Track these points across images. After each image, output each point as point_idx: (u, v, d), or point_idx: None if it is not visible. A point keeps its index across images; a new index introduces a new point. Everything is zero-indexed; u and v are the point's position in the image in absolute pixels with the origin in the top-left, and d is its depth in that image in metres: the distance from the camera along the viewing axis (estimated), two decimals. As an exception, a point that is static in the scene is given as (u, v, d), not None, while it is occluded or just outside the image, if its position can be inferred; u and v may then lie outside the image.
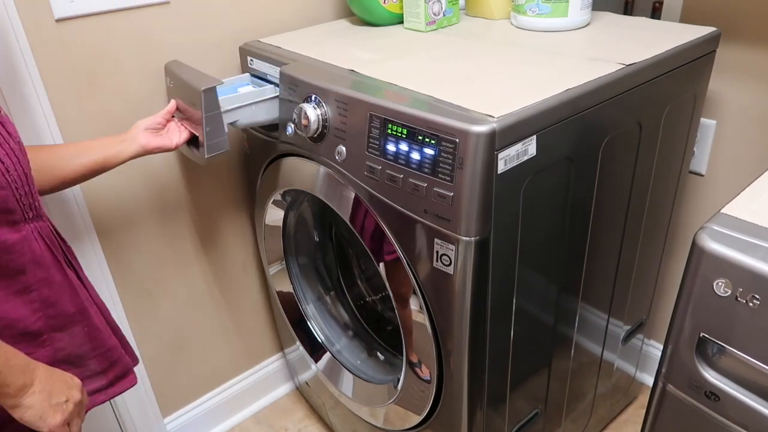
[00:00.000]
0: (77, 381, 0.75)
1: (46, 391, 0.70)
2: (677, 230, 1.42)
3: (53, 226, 0.81)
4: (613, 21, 1.23)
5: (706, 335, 0.56)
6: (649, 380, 1.66)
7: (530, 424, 1.21)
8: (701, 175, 1.36)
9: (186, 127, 1.07)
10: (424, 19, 1.23)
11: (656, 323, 1.57)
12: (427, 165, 0.86)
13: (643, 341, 1.50)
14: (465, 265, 0.88)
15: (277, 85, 1.12)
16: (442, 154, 0.83)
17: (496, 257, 0.90)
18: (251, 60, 1.21)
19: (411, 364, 1.07)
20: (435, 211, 0.87)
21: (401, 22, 1.30)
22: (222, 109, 1.03)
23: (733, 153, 1.30)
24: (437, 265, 0.91)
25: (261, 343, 1.65)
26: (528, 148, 0.86)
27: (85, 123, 1.15)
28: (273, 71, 1.13)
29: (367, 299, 1.47)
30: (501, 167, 0.83)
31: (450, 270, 0.90)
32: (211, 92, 0.99)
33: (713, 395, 0.57)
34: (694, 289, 0.56)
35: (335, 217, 1.37)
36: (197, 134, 1.04)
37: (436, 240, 0.89)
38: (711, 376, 0.57)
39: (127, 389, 0.90)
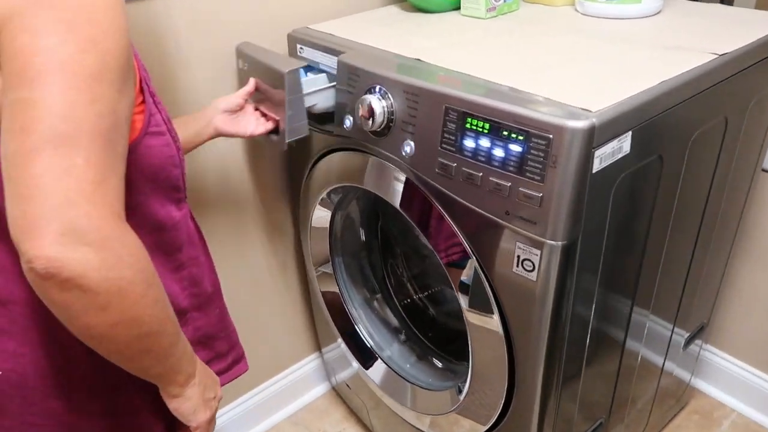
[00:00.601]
0: (217, 378, 0.74)
1: (202, 385, 0.68)
2: (745, 231, 1.35)
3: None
4: (685, 8, 1.16)
5: None
6: (703, 386, 1.59)
7: (594, 435, 1.15)
8: (772, 173, 1.29)
9: (264, 112, 1.03)
10: (484, 5, 1.16)
11: (715, 328, 1.50)
12: (512, 163, 0.79)
13: (701, 347, 1.43)
14: (548, 271, 0.82)
15: (330, 74, 1.05)
16: (532, 151, 0.76)
17: (581, 263, 0.83)
18: (301, 48, 1.13)
19: (479, 374, 1.01)
20: (519, 213, 0.80)
21: (457, 8, 1.22)
22: (303, 92, 0.98)
23: (807, 150, 1.22)
24: (517, 270, 0.84)
25: (299, 343, 1.59)
26: (623, 145, 0.79)
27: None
28: (326, 60, 1.06)
29: (416, 298, 1.41)
30: (596, 166, 0.76)
31: (533, 276, 0.83)
32: (295, 74, 0.95)
33: None
34: None
35: (385, 214, 1.30)
36: (277, 118, 1.00)
37: (518, 244, 0.83)
38: None
39: (242, 374, 0.89)
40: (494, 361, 0.96)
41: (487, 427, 1.04)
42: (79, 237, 0.46)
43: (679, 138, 0.90)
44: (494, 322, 0.92)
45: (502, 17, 1.18)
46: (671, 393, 1.45)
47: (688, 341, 1.34)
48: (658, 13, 1.13)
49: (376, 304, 1.36)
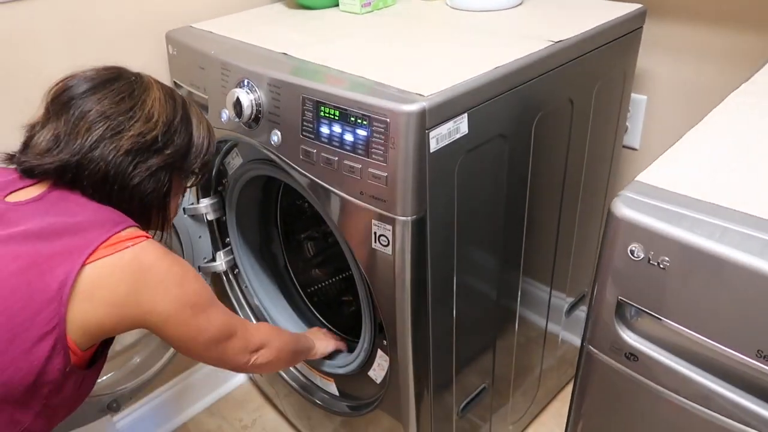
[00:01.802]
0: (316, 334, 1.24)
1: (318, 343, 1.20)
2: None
3: None
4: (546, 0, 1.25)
5: (624, 299, 0.59)
6: (594, 350, 1.71)
7: (478, 399, 1.23)
8: (635, 150, 1.41)
9: None
10: (359, 1, 1.22)
11: (599, 295, 1.62)
12: (360, 146, 0.86)
13: (586, 313, 1.54)
14: (403, 244, 0.89)
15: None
16: (375, 134, 0.83)
17: (434, 236, 0.91)
18: (174, 50, 1.18)
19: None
20: (371, 192, 0.88)
21: (337, 5, 1.29)
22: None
23: (664, 127, 1.35)
24: (376, 246, 0.92)
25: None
26: (460, 126, 0.87)
27: (6, 114, 1.11)
28: (202, 58, 1.11)
29: (320, 284, 1.47)
30: (433, 146, 0.84)
31: (389, 251, 0.90)
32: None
33: (632, 356, 0.59)
34: (612, 254, 0.58)
35: (284, 200, 1.36)
36: None
37: (373, 221, 0.90)
38: (629, 337, 0.60)
39: None
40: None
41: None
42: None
43: (521, 118, 0.98)
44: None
45: (377, 12, 1.25)
46: (565, 359, 1.56)
47: (571, 308, 1.44)
48: (519, 4, 1.23)
49: (278, 285, 1.41)
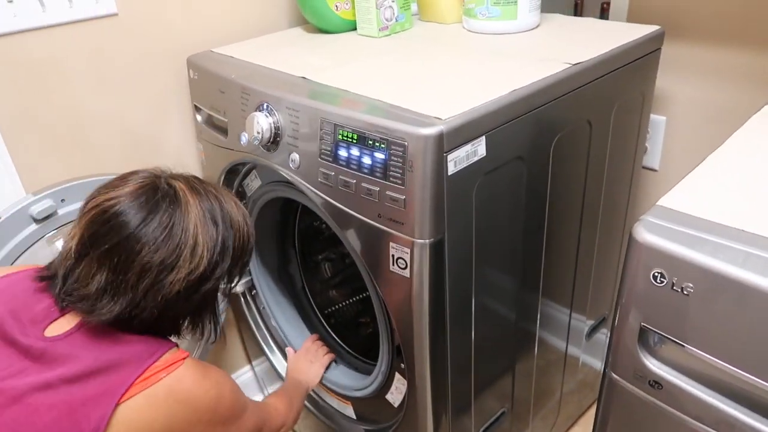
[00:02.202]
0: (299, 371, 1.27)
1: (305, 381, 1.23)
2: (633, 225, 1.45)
3: None
4: (563, 22, 1.26)
5: (647, 325, 0.58)
6: (615, 374, 1.68)
7: (497, 424, 1.21)
8: (655, 171, 1.39)
9: None
10: (376, 25, 1.24)
11: (620, 317, 1.60)
12: (378, 169, 0.86)
13: (607, 336, 1.52)
14: (421, 267, 0.89)
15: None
16: (393, 157, 0.84)
17: (452, 258, 0.91)
18: (195, 74, 1.20)
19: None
20: (389, 215, 0.88)
21: (355, 29, 1.30)
22: None
23: (684, 148, 1.33)
24: (393, 268, 0.91)
25: (231, 356, 1.63)
26: (477, 148, 0.87)
27: (37, 142, 1.13)
28: (222, 82, 1.13)
29: (338, 306, 1.47)
30: (451, 169, 0.84)
31: (406, 273, 0.90)
32: None
33: (657, 384, 0.58)
34: (634, 280, 0.57)
35: (302, 222, 1.37)
36: None
37: (391, 244, 0.90)
38: (653, 365, 0.59)
39: None
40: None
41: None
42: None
43: (539, 140, 0.98)
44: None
45: (394, 35, 1.26)
46: (586, 383, 1.54)
47: (592, 331, 1.42)
48: (535, 27, 1.23)
49: (295, 309, 1.41)
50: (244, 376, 1.68)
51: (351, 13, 1.28)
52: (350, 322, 1.47)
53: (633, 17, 1.31)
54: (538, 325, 1.20)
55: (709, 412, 0.56)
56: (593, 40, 1.11)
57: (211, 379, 0.80)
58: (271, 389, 1.59)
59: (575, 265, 1.23)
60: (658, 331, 0.56)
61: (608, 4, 1.36)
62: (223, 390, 0.82)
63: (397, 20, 1.27)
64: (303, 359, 1.27)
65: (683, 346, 0.55)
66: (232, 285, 0.89)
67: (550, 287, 1.18)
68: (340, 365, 1.31)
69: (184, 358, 0.78)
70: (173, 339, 0.83)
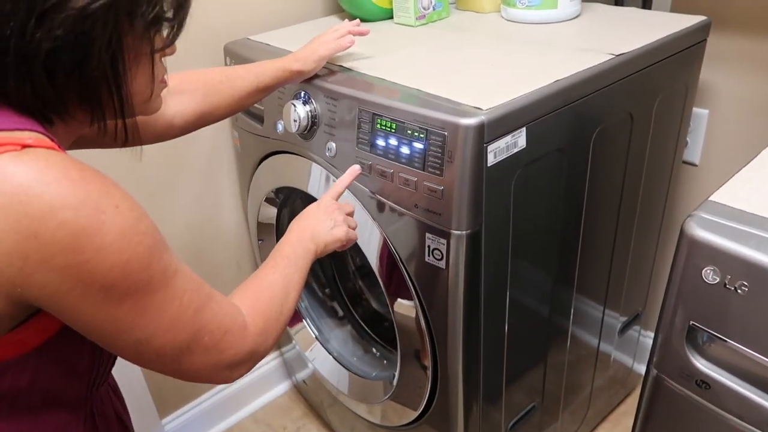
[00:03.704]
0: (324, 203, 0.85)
1: (313, 236, 0.81)
2: (672, 221, 1.42)
3: None
4: (604, 12, 1.23)
5: (696, 323, 0.56)
6: (646, 371, 1.66)
7: (527, 418, 1.20)
8: (695, 165, 1.36)
9: None
10: (413, 14, 1.23)
11: (653, 315, 1.57)
12: (417, 159, 0.85)
13: (639, 333, 1.49)
14: (457, 259, 0.88)
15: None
16: (432, 147, 0.83)
17: (488, 250, 0.90)
18: (231, 61, 1.20)
19: (406, 360, 1.07)
20: (426, 206, 0.87)
21: (391, 17, 1.29)
22: None
23: (726, 142, 1.30)
24: (429, 259, 0.91)
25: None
26: (518, 140, 0.85)
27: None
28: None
29: (363, 296, 1.47)
30: (491, 160, 0.83)
31: (442, 264, 0.89)
32: None
33: (704, 384, 0.57)
34: (683, 277, 0.56)
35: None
36: None
37: (427, 234, 0.89)
38: (701, 364, 0.57)
39: None
40: (418, 348, 1.03)
41: (418, 412, 1.10)
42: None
43: (580, 133, 0.96)
44: (413, 309, 0.98)
45: (431, 24, 1.25)
46: (617, 379, 1.52)
47: (624, 327, 1.40)
48: (576, 17, 1.21)
49: (323, 297, 1.41)
50: (273, 362, 1.70)
51: (388, 2, 1.27)
52: (375, 314, 1.47)
53: (677, 7, 1.27)
54: (571, 320, 1.19)
55: (761, 414, 0.55)
56: (636, 30, 1.08)
57: (76, 186, 0.47)
58: (299, 375, 1.60)
59: (610, 261, 1.21)
60: (709, 330, 0.55)
61: (651, -7, 1.32)
62: (105, 217, 0.47)
63: (434, 9, 1.26)
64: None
65: (736, 346, 0.54)
66: (159, 44, 0.60)
67: (584, 282, 1.16)
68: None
69: (37, 146, 0.47)
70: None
